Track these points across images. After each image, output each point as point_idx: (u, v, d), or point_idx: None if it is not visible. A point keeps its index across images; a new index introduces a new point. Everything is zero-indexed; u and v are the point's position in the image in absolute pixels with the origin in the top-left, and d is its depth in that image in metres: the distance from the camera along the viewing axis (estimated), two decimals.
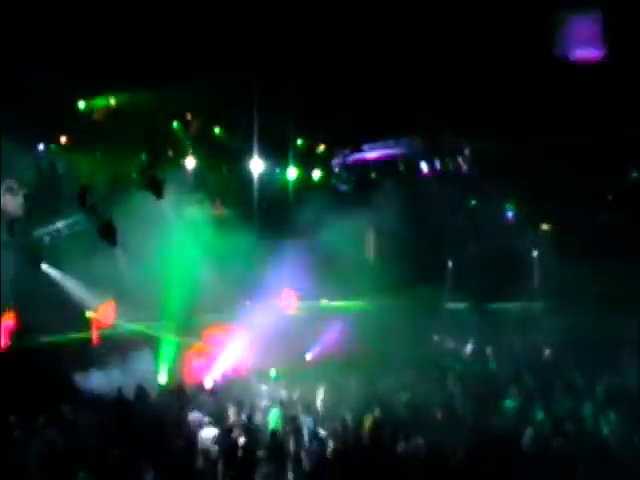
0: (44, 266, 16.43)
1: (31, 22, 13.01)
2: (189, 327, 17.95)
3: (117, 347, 17.09)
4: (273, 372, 16.75)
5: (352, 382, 15.87)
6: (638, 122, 15.17)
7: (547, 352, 19.03)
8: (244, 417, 12.92)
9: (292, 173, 20.01)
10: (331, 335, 18.98)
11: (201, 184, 18.88)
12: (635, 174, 19.53)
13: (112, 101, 16.49)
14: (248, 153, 18.78)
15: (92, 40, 13.58)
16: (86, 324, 17.30)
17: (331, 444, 11.90)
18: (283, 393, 14.57)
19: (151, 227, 16.55)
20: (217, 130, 18.62)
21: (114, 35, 13.63)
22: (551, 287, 21.84)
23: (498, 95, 15.35)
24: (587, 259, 19.26)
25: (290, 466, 11.58)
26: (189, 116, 18.09)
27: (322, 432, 12.33)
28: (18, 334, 16.32)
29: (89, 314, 17.35)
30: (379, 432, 12.34)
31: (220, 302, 18.29)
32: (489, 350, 19.60)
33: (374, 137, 19.25)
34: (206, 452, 11.44)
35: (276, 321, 18.05)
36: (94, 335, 17.38)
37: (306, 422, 12.78)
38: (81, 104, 16.17)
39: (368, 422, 12.78)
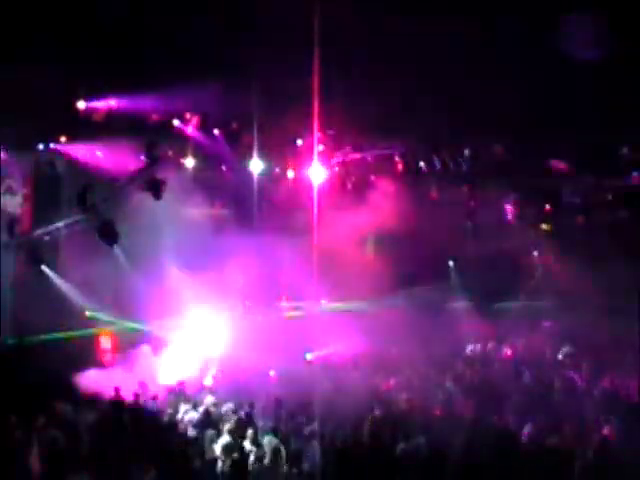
0: (43, 267, 16.45)
1: (31, 22, 13.03)
2: (188, 326, 17.95)
3: (117, 346, 17.11)
4: (272, 372, 16.75)
5: (352, 381, 15.86)
6: (638, 122, 15.18)
7: (547, 352, 19.03)
8: (243, 416, 12.91)
9: (291, 173, 20.04)
10: (337, 339, 18.88)
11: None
12: (635, 174, 19.52)
13: (112, 101, 16.50)
14: (248, 153, 18.80)
15: (92, 40, 13.61)
16: (86, 323, 17.32)
17: (331, 444, 11.88)
18: (282, 392, 14.54)
19: (151, 227, 16.56)
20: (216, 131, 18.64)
21: (114, 35, 13.65)
22: (551, 287, 21.84)
23: (498, 95, 15.35)
24: (587, 259, 19.26)
25: (289, 466, 11.55)
26: (189, 116, 18.10)
27: (321, 431, 12.31)
28: (18, 333, 16.33)
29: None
30: (379, 432, 12.33)
31: (219, 302, 18.29)
32: (489, 349, 19.62)
33: (374, 136, 19.26)
34: (204, 452, 11.42)
35: (276, 321, 18.05)
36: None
37: (305, 421, 12.77)
38: (81, 104, 16.18)
39: (368, 422, 12.76)
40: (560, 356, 18.21)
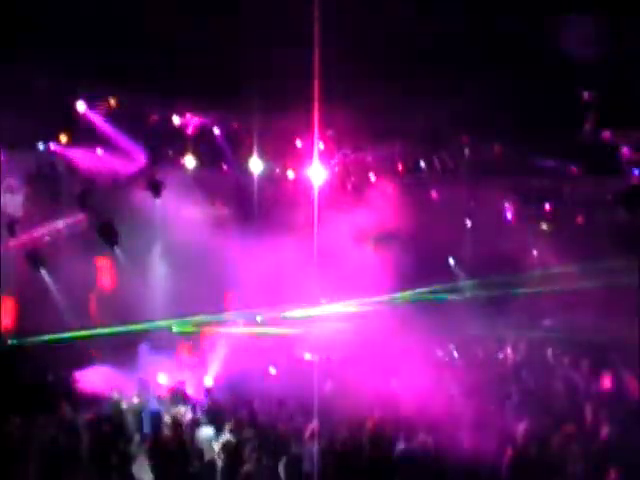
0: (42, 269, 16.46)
1: (31, 21, 13.03)
2: (188, 326, 17.94)
3: (117, 346, 17.10)
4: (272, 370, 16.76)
5: (353, 381, 15.84)
6: (638, 122, 15.18)
7: (548, 351, 19.02)
8: (243, 416, 12.90)
9: (292, 173, 20.04)
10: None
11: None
12: (635, 174, 19.52)
13: (112, 101, 16.50)
14: (248, 153, 18.81)
15: (92, 40, 13.61)
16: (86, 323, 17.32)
17: (330, 444, 11.87)
18: (282, 392, 14.54)
19: (151, 227, 16.57)
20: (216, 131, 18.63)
21: (114, 35, 13.65)
22: (551, 287, 21.84)
23: (498, 95, 15.35)
24: (587, 259, 19.26)
25: (290, 466, 11.55)
26: (189, 116, 18.11)
27: (321, 432, 12.30)
28: (18, 334, 16.33)
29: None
30: (379, 433, 12.32)
31: (217, 302, 18.30)
32: (490, 349, 19.62)
33: (374, 136, 19.26)
34: (203, 452, 11.42)
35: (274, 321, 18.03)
36: None
37: (305, 421, 12.76)
38: (81, 104, 16.18)
39: (369, 422, 12.75)
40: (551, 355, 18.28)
